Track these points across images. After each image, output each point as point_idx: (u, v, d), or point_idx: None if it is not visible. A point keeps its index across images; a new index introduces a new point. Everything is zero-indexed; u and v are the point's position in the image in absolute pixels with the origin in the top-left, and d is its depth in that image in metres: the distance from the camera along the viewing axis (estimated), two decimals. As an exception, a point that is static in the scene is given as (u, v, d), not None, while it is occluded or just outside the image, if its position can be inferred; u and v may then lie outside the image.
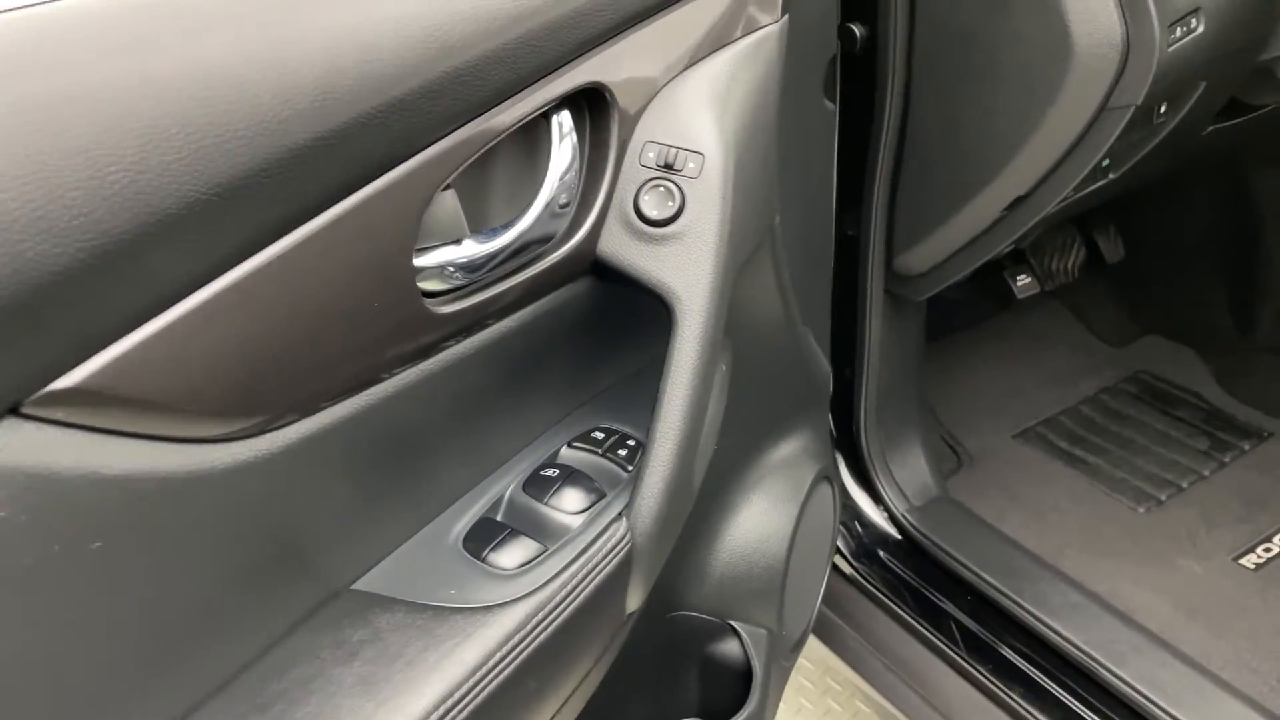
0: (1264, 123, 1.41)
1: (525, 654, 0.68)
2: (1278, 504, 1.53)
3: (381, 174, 0.60)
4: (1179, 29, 1.08)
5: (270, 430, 0.59)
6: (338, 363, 0.62)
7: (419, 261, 0.67)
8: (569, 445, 0.83)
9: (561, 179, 0.75)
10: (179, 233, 0.50)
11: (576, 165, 0.76)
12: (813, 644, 1.50)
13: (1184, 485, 1.58)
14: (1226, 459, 1.62)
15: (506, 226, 0.74)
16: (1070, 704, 1.18)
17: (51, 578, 0.50)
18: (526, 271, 0.74)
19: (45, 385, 0.48)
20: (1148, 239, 1.89)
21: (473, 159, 0.67)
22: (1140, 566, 1.43)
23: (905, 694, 1.38)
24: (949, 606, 1.32)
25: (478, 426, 0.77)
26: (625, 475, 0.81)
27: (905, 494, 1.45)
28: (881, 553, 1.42)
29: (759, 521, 1.11)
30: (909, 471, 1.48)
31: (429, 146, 0.63)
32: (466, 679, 0.64)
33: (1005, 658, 1.25)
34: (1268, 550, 1.45)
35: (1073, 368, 1.87)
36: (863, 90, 1.25)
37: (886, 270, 1.37)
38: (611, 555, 0.75)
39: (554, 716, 0.77)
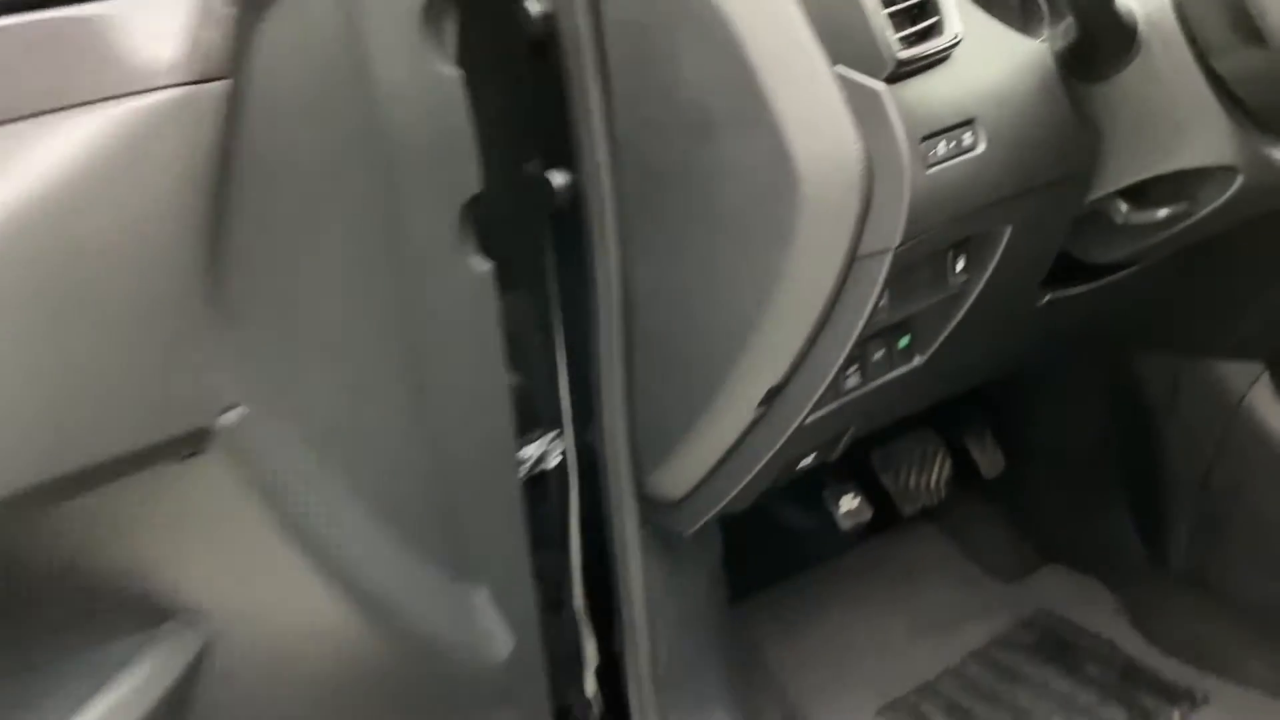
0: (1120, 290, 1.10)
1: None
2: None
3: None
4: (942, 145, 0.78)
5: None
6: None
7: None
8: None
9: None
10: None
11: None
12: None
13: (1097, 776, 1.17)
14: (1151, 735, 1.22)
15: None
16: None
17: None
18: None
19: None
20: (1032, 444, 1.54)
21: None
22: None
23: None
24: None
25: None
26: None
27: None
28: None
29: None
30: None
31: None
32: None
33: None
34: None
35: (955, 610, 1.48)
36: (577, 254, 0.94)
37: (640, 495, 1.02)
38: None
39: None
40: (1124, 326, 1.30)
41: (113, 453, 0.62)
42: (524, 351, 0.99)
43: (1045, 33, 0.92)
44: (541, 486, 1.03)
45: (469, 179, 0.82)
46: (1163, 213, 0.92)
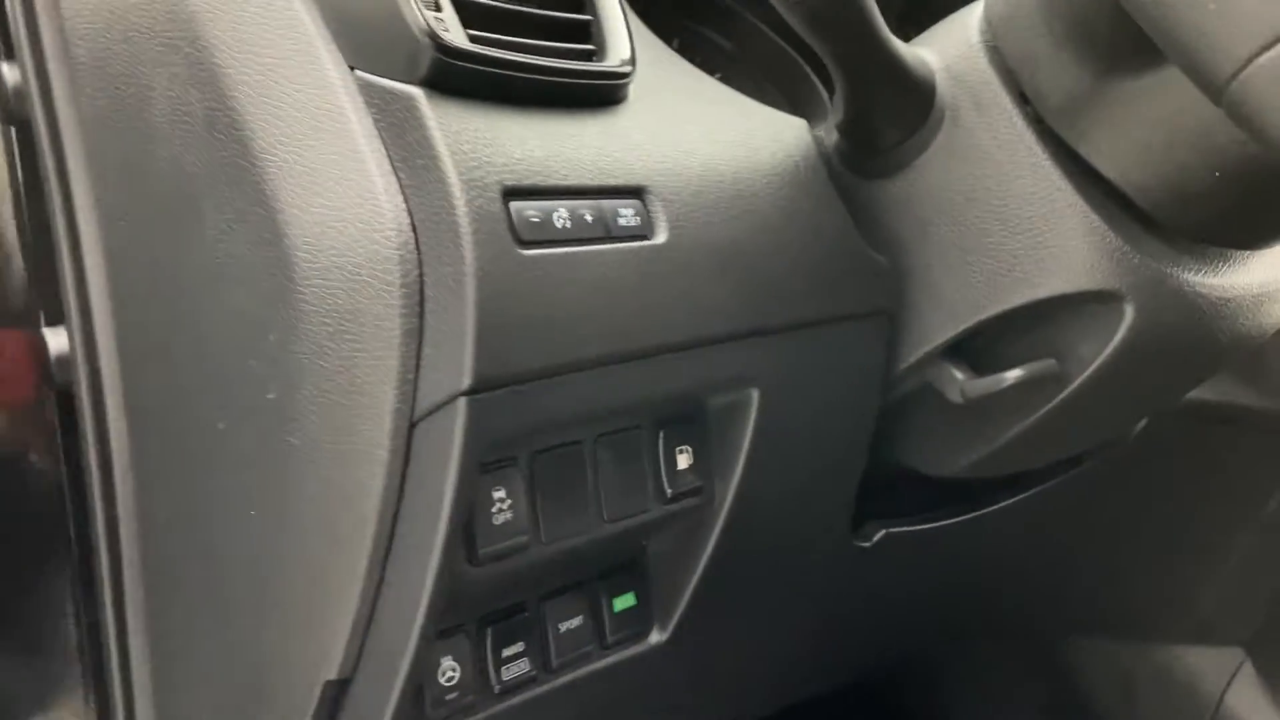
0: (1008, 529, 0.72)
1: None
2: None
3: None
4: (562, 212, 0.44)
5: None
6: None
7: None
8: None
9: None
10: None
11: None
12: None
13: None
14: None
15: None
16: None
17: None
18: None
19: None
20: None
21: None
22: None
23: None
24: None
25: None
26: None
27: None
28: None
29: None
30: None
31: None
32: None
33: None
34: None
35: None
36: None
37: None
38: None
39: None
40: (1030, 595, 0.91)
41: None
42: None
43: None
44: None
45: None
46: (1014, 376, 0.56)
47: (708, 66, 0.64)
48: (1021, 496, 0.75)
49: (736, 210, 0.50)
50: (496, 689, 0.53)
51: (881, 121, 0.56)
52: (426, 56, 0.41)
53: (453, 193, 0.40)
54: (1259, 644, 0.96)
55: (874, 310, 0.57)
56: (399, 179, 0.41)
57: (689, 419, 0.54)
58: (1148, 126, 0.51)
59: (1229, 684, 0.93)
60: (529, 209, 0.42)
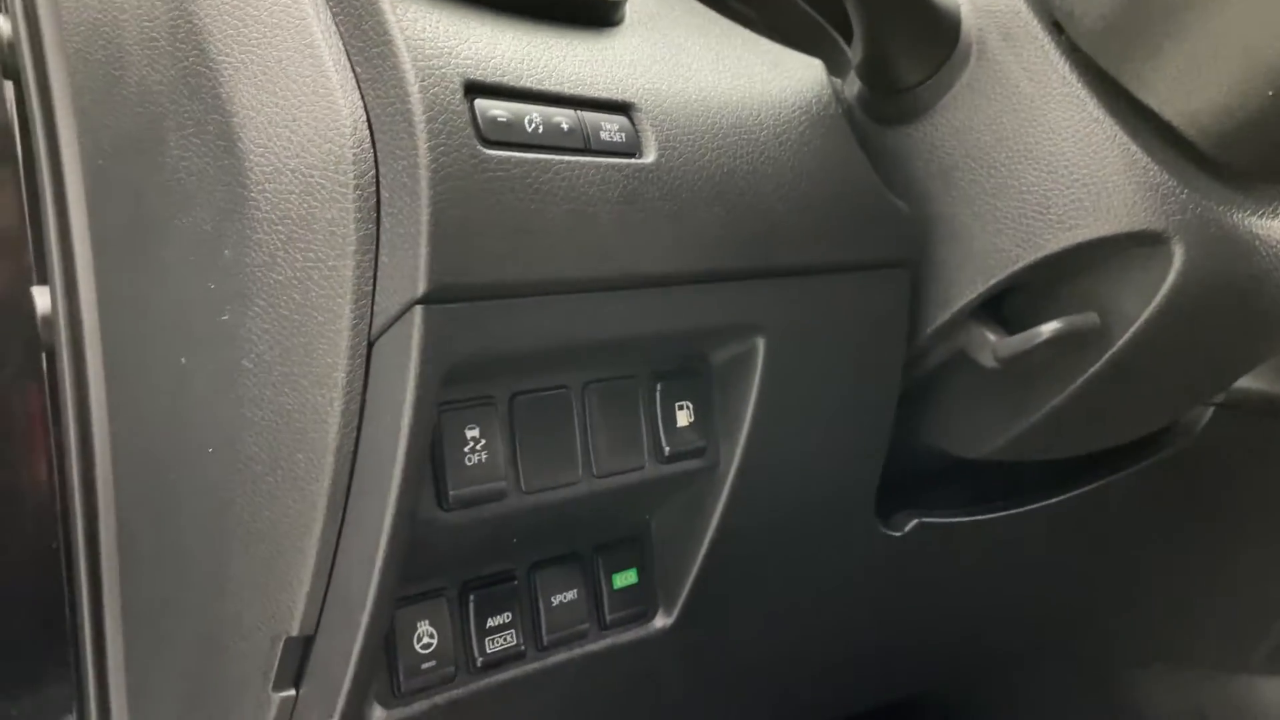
0: (1057, 528, 0.66)
1: None
2: None
3: None
4: (535, 116, 0.41)
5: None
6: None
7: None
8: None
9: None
10: None
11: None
12: None
13: None
14: None
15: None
16: None
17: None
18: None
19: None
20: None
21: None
22: None
23: None
24: None
25: None
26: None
27: None
28: None
29: None
30: None
31: None
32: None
33: None
34: None
35: None
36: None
37: None
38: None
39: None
40: (1084, 612, 0.83)
41: None
42: None
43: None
44: None
45: None
46: (1051, 329, 0.51)
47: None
48: (1070, 495, 0.69)
49: (735, 137, 0.47)
50: (479, 661, 0.48)
51: (902, 57, 0.52)
52: None
53: (407, 80, 0.37)
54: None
55: (893, 260, 0.53)
56: (355, 73, 0.38)
57: (690, 372, 0.50)
58: (1195, 44, 0.46)
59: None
60: (495, 108, 0.39)
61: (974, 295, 0.53)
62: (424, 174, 0.36)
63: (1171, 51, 0.47)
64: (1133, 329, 0.51)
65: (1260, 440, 0.77)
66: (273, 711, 0.45)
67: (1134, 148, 0.48)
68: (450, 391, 0.41)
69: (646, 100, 0.44)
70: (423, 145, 0.36)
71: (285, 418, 0.40)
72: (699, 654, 0.57)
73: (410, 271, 0.37)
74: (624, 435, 0.48)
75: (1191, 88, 0.47)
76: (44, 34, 0.51)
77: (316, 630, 0.44)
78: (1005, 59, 0.51)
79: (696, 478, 0.52)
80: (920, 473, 0.65)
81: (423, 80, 0.37)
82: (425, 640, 0.47)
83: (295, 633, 0.43)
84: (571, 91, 0.42)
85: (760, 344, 0.49)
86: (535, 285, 0.40)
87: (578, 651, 0.52)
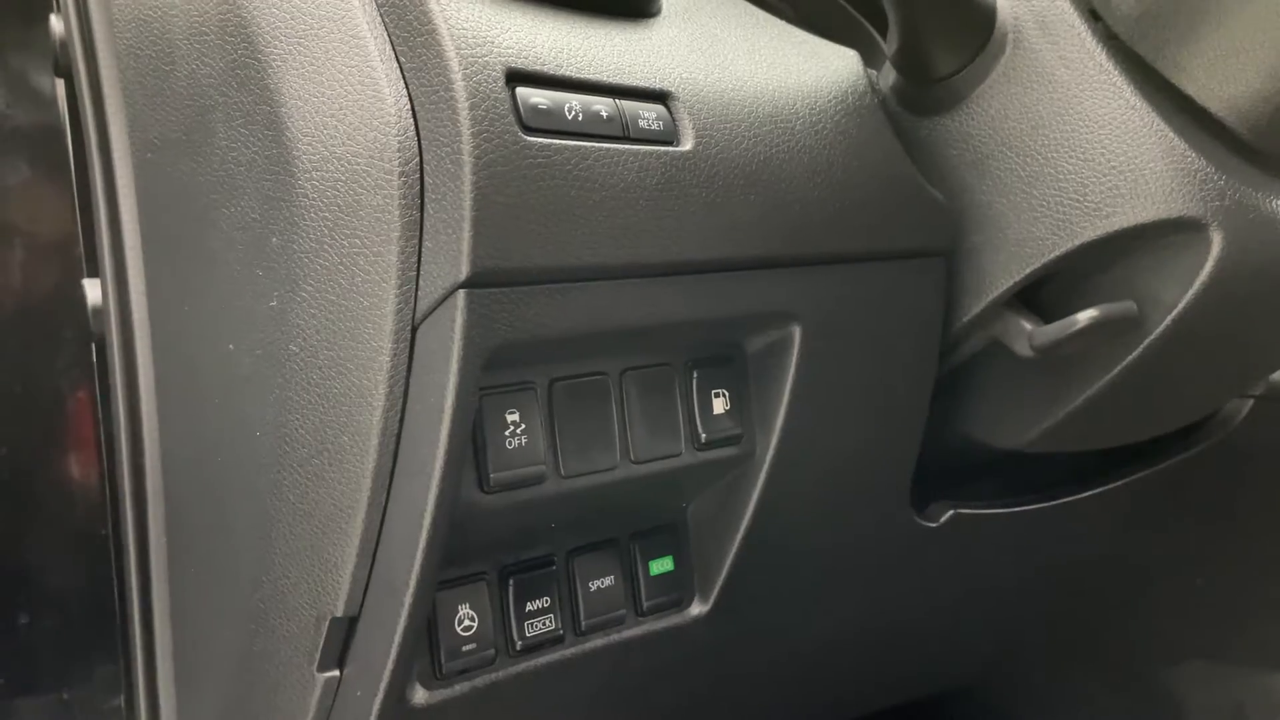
0: (1096, 521, 0.66)
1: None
2: None
3: None
4: (575, 105, 0.42)
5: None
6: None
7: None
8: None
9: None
10: None
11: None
12: None
13: None
14: None
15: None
16: None
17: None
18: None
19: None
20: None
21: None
22: None
23: None
24: None
25: None
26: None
27: None
28: None
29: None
30: None
31: None
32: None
33: None
34: None
35: None
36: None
37: None
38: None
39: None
40: (1122, 608, 0.83)
41: None
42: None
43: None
44: None
45: None
46: (1087, 317, 0.51)
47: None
48: (1108, 488, 0.69)
49: (771, 126, 0.47)
50: (519, 644, 0.49)
51: (937, 47, 0.52)
52: None
53: (451, 69, 0.38)
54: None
55: (929, 249, 0.53)
56: (399, 63, 0.39)
57: (725, 360, 0.51)
58: (1233, 29, 0.46)
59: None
60: (536, 95, 0.40)
61: (1010, 284, 0.53)
62: (467, 160, 0.37)
63: (1209, 37, 0.47)
64: (1170, 317, 0.51)
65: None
66: (317, 692, 0.46)
67: (1171, 135, 0.48)
68: (491, 377, 0.42)
69: (684, 89, 0.45)
70: (466, 132, 0.37)
71: (331, 401, 0.41)
72: (733, 642, 0.57)
73: (454, 256, 0.38)
74: (661, 422, 0.49)
75: (1229, 74, 0.47)
76: (95, 32, 0.52)
77: (360, 611, 0.44)
78: (1041, 48, 0.51)
79: (732, 465, 0.52)
80: (954, 464, 0.65)
81: (466, 69, 0.38)
82: (466, 623, 0.47)
83: (340, 613, 0.44)
84: (610, 80, 0.43)
85: (796, 332, 0.50)
86: (575, 270, 0.41)
87: (614, 637, 0.52)
